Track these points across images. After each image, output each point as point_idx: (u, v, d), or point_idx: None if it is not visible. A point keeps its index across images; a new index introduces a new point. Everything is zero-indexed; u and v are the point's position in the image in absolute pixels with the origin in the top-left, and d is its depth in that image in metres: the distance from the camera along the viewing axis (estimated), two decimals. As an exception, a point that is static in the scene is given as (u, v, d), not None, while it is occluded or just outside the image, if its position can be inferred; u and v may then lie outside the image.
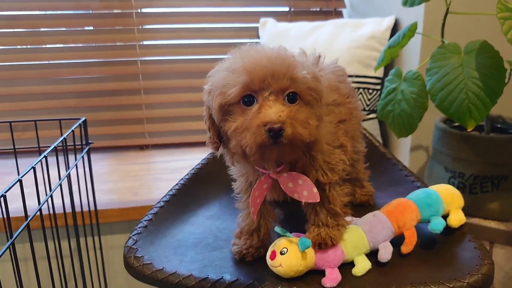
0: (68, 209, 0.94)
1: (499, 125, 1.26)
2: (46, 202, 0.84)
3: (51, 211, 0.87)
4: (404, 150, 1.39)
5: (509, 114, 1.25)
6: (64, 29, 1.57)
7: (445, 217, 0.72)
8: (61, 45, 1.58)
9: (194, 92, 1.68)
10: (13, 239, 0.67)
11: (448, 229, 0.71)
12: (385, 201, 0.87)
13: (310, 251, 0.63)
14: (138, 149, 1.74)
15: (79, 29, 1.58)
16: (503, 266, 1.17)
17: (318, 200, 0.62)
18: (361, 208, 0.85)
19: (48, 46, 1.57)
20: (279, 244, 0.63)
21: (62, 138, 0.81)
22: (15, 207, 0.73)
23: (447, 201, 0.73)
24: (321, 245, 0.64)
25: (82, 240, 1.10)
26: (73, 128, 0.88)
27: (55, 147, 0.82)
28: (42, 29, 1.55)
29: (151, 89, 1.65)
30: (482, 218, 1.17)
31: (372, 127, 1.43)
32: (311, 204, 0.66)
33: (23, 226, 0.69)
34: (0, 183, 1.10)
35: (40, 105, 1.59)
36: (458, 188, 1.17)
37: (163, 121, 1.70)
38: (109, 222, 1.25)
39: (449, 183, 1.19)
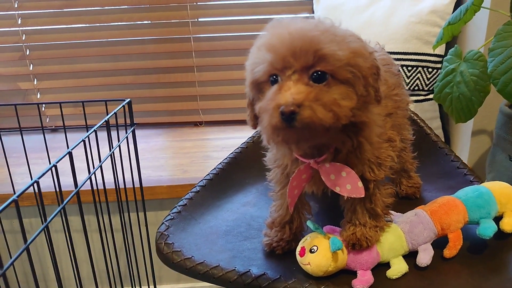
0: (114, 185, 0.98)
1: None
2: (94, 178, 0.87)
3: (98, 187, 0.90)
4: (465, 134, 1.28)
5: None
6: (120, 7, 1.59)
7: (498, 219, 0.66)
8: (117, 23, 1.60)
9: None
10: (62, 205, 0.70)
11: (499, 233, 0.64)
12: (434, 195, 0.81)
13: (342, 252, 0.60)
14: (192, 126, 1.76)
15: (134, 6, 1.59)
16: None
17: (363, 195, 0.58)
18: (406, 201, 0.80)
19: (104, 24, 1.60)
20: (309, 241, 0.61)
21: (103, 120, 0.82)
22: (63, 180, 0.76)
23: (501, 201, 0.66)
24: (355, 246, 0.60)
25: (129, 216, 1.14)
26: (115, 110, 0.90)
27: (104, 126, 0.84)
28: (98, 8, 1.58)
29: (204, 66, 1.64)
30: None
31: (431, 108, 1.34)
32: (350, 200, 0.62)
33: (72, 194, 0.72)
34: (52, 156, 1.15)
35: (98, 82, 1.65)
36: (522, 179, 1.07)
37: (216, 99, 1.69)
38: (158, 198, 1.28)
39: (513, 174, 1.09)
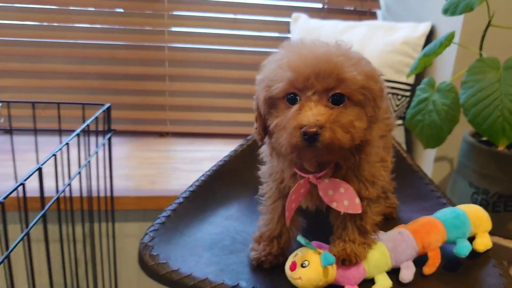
0: (85, 193, 0.95)
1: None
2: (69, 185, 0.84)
3: (68, 194, 0.87)
4: (428, 160, 1.35)
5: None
6: (94, 9, 1.56)
7: (471, 239, 0.70)
8: (89, 25, 1.57)
9: (220, 83, 1.66)
10: (29, 228, 0.67)
11: (473, 252, 0.68)
12: (409, 215, 0.85)
13: (332, 267, 0.61)
14: (158, 136, 1.73)
15: (108, 10, 1.57)
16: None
17: (360, 211, 0.60)
18: (384, 221, 0.83)
19: (75, 25, 1.56)
20: (300, 255, 0.61)
21: (84, 125, 0.80)
22: (32, 186, 0.72)
23: (475, 223, 0.70)
24: (344, 261, 0.62)
25: (96, 226, 1.10)
26: (96, 114, 0.88)
27: (85, 129, 0.82)
28: (71, 8, 1.54)
29: (177, 76, 1.64)
30: (503, 237, 1.13)
31: (397, 134, 1.40)
32: (341, 217, 0.64)
33: (39, 216, 0.69)
34: (20, 159, 1.10)
35: (64, 84, 1.59)
36: (481, 205, 1.14)
37: (186, 110, 1.69)
38: (124, 209, 1.25)
39: (472, 199, 1.15)
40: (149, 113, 1.67)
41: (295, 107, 0.53)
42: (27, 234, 0.62)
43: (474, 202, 1.15)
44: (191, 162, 1.49)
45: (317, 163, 0.58)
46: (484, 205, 1.12)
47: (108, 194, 1.05)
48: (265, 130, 0.59)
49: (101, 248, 1.12)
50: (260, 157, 0.65)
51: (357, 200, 0.59)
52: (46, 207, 0.68)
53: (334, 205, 0.60)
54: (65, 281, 0.90)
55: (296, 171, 0.61)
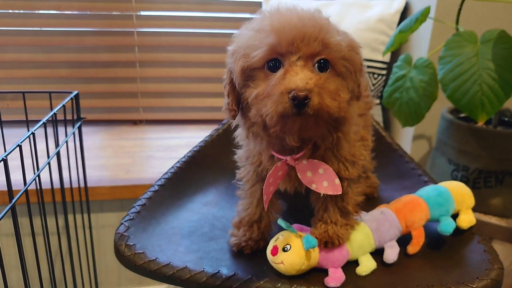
0: (57, 185, 0.90)
1: (506, 119, 1.22)
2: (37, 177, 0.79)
3: (38, 186, 0.82)
4: (406, 138, 1.35)
5: (517, 107, 1.21)
6: (58, -6, 1.49)
7: (454, 216, 0.69)
8: (54, 12, 1.50)
9: (192, 67, 1.61)
10: (11, 204, 0.62)
11: (456, 229, 0.67)
12: (390, 194, 0.84)
13: (314, 250, 0.59)
14: (131, 124, 1.68)
15: (73, -5, 1.50)
16: (502, 262, 1.15)
17: (340, 192, 0.57)
18: (365, 201, 0.81)
19: (40, 12, 1.49)
20: (282, 239, 0.59)
21: (51, 113, 0.76)
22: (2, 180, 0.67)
23: (458, 200, 0.69)
24: (327, 244, 0.60)
25: (71, 217, 1.05)
26: (63, 102, 0.83)
27: (52, 117, 0.77)
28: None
29: (147, 62, 1.58)
30: (483, 213, 1.14)
31: (375, 113, 1.39)
32: (322, 198, 0.61)
33: (7, 208, 0.64)
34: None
35: (30, 74, 1.52)
36: (461, 181, 1.14)
37: (158, 96, 1.64)
38: (100, 200, 1.20)
39: (452, 176, 1.15)
40: (121, 100, 1.62)
41: (279, 72, 0.49)
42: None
43: (454, 179, 1.15)
44: (166, 149, 1.45)
45: (299, 140, 0.54)
46: (465, 181, 1.12)
47: (82, 185, 1.01)
48: (238, 106, 0.55)
49: (78, 240, 1.07)
50: (236, 141, 0.62)
51: (337, 181, 0.56)
52: (14, 201, 0.64)
53: (313, 187, 0.57)
54: (40, 275, 0.85)
55: (273, 153, 0.58)
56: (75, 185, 1.01)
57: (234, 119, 0.57)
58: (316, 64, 0.50)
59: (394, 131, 1.43)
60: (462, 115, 1.20)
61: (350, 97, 0.53)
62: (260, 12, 0.54)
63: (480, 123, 0.91)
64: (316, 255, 0.59)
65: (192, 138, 1.54)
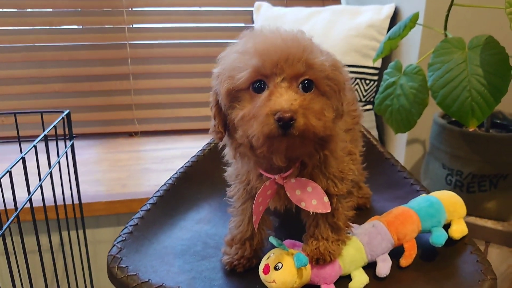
0: (51, 202, 0.90)
1: (498, 121, 1.23)
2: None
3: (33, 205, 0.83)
4: (400, 143, 1.35)
5: (509, 110, 1.21)
6: (50, 10, 1.49)
7: (446, 226, 0.69)
8: (46, 27, 1.50)
9: (185, 78, 1.62)
10: (3, 230, 0.63)
11: (449, 240, 0.67)
12: (383, 205, 0.84)
13: (306, 267, 0.59)
14: (127, 136, 1.69)
15: (65, 10, 1.50)
16: (498, 267, 1.15)
17: (329, 210, 0.57)
18: (357, 211, 0.82)
19: (32, 28, 1.49)
20: (273, 257, 0.59)
21: (42, 136, 0.76)
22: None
23: (449, 210, 0.69)
24: (318, 260, 0.60)
25: (67, 234, 1.05)
26: (54, 123, 0.83)
27: (43, 138, 0.77)
28: (27, 10, 1.47)
29: (141, 74, 1.59)
30: (479, 217, 1.14)
31: (368, 119, 1.39)
32: (312, 215, 0.62)
33: (13, 217, 0.65)
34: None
35: (24, 90, 1.53)
36: (455, 186, 1.14)
37: (153, 108, 1.64)
38: (96, 215, 1.20)
39: (446, 181, 1.16)
40: (115, 113, 1.62)
41: (264, 94, 0.49)
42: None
43: (449, 184, 1.15)
44: (162, 161, 1.45)
45: (286, 160, 0.55)
46: (459, 186, 1.12)
47: (76, 201, 1.01)
48: (225, 128, 0.56)
49: (73, 257, 1.07)
50: (225, 159, 0.62)
51: (325, 199, 0.57)
52: (5, 226, 0.64)
53: (302, 205, 0.57)
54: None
55: (261, 172, 0.58)
56: (69, 202, 1.01)
57: (221, 140, 0.57)
58: (300, 85, 0.50)
59: (388, 136, 1.43)
60: (454, 119, 1.21)
61: (335, 116, 0.53)
62: (244, 35, 0.54)
63: (471, 129, 0.91)
64: (308, 272, 0.59)
65: (187, 148, 1.55)
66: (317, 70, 0.50)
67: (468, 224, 1.10)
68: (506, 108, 1.19)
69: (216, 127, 0.56)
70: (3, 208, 0.71)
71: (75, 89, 1.56)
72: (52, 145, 0.85)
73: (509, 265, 1.17)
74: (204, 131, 1.68)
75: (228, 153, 0.62)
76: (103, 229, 1.25)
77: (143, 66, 1.58)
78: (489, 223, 1.14)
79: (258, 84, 0.50)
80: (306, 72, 0.50)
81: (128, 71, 1.57)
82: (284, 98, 0.48)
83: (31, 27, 1.49)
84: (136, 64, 1.57)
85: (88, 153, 1.51)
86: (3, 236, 0.66)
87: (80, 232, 1.07)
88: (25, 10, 1.47)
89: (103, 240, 1.25)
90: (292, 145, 0.50)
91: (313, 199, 0.57)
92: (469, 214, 1.14)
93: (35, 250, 0.89)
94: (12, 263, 0.71)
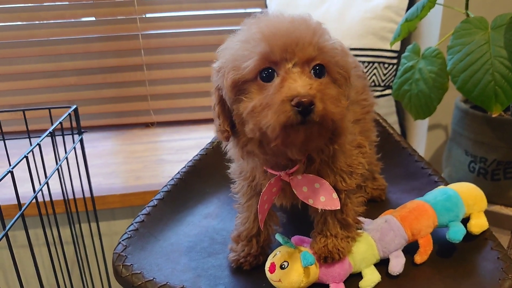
0: (61, 197, 0.91)
1: (525, 104, 1.16)
2: (40, 191, 0.80)
3: (44, 199, 0.83)
4: (421, 129, 1.30)
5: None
6: (61, 3, 1.48)
7: (465, 220, 0.65)
8: (59, 21, 1.49)
9: (199, 67, 1.59)
10: (5, 231, 0.63)
11: (467, 235, 0.63)
12: (399, 197, 0.80)
13: (315, 265, 0.56)
14: (143, 127, 1.68)
15: (77, 3, 1.49)
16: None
17: (338, 207, 0.54)
18: (372, 203, 0.78)
19: (45, 22, 1.49)
20: (279, 256, 0.57)
21: (47, 132, 0.75)
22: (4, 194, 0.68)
23: (468, 203, 0.65)
24: (327, 259, 0.57)
25: (83, 227, 1.06)
26: (60, 120, 0.82)
27: (50, 134, 0.77)
28: (37, 4, 1.46)
29: (154, 64, 1.57)
30: (504, 205, 1.09)
31: (387, 103, 1.34)
32: (320, 211, 0.58)
33: (15, 218, 0.65)
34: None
35: (39, 84, 1.53)
36: (479, 174, 1.09)
37: (168, 98, 1.62)
38: (111, 208, 1.20)
39: (469, 168, 1.10)
40: (131, 104, 1.62)
41: (276, 81, 0.46)
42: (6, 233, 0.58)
43: (472, 172, 1.10)
44: (177, 152, 1.44)
45: (301, 153, 0.51)
46: (483, 173, 1.07)
47: (88, 195, 1.01)
48: (231, 127, 0.52)
49: (85, 250, 1.08)
50: (228, 156, 0.60)
51: (334, 195, 0.54)
52: (9, 226, 0.64)
53: (310, 202, 0.54)
54: (58, 285, 0.87)
55: (266, 169, 0.55)
56: (80, 196, 1.01)
57: (228, 140, 0.53)
58: (312, 70, 0.47)
59: (409, 121, 1.38)
60: (478, 103, 1.15)
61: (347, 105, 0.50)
62: (245, 23, 0.51)
63: (495, 115, 0.85)
64: (316, 271, 0.57)
65: (203, 138, 1.53)
66: (329, 55, 0.47)
67: (493, 213, 1.06)
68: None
69: (221, 126, 0.52)
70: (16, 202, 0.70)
71: (90, 81, 1.56)
72: (60, 140, 0.85)
73: (538, 255, 1.12)
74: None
75: (231, 148, 0.59)
76: (119, 221, 1.25)
77: (156, 56, 1.56)
78: (515, 212, 1.09)
79: (266, 73, 0.47)
80: (318, 57, 0.46)
81: (141, 62, 1.56)
82: (299, 83, 0.44)
83: (44, 21, 1.49)
84: (149, 54, 1.55)
85: (103, 145, 1.51)
86: (25, 226, 0.66)
87: (93, 224, 1.07)
88: (38, 4, 1.46)
89: (119, 232, 1.25)
90: (310, 136, 0.46)
91: (321, 196, 0.54)
92: (494, 202, 1.09)
93: (44, 243, 0.90)
94: (28, 258, 0.71)
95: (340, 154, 0.55)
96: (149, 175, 1.29)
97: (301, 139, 0.46)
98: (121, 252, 0.64)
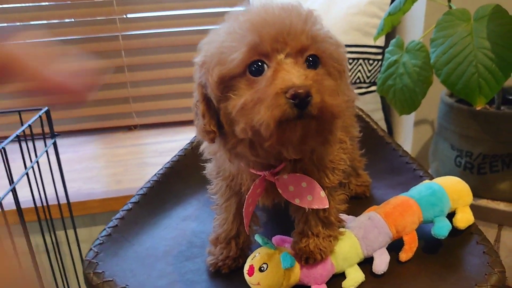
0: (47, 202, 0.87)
1: (510, 97, 1.15)
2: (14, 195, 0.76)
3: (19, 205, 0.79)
4: (407, 124, 1.28)
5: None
6: (38, 4, 1.45)
7: (450, 215, 0.63)
8: (37, 22, 1.46)
9: (183, 67, 1.56)
10: None
11: (453, 229, 0.61)
12: (383, 192, 0.78)
13: (295, 267, 0.54)
14: (126, 130, 1.64)
15: (54, 3, 1.45)
16: (503, 265, 1.09)
17: (327, 206, 0.51)
18: (356, 200, 0.76)
19: (21, 24, 1.45)
20: (258, 258, 0.54)
21: (13, 136, 0.72)
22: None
23: (453, 198, 0.63)
24: (308, 260, 0.54)
25: (59, 235, 1.02)
26: (29, 123, 0.79)
27: (17, 139, 0.74)
28: (12, 5, 1.42)
29: (136, 65, 1.53)
30: (491, 199, 1.07)
31: (373, 100, 1.32)
32: (301, 210, 0.55)
33: None
34: None
35: (17, 87, 1.49)
36: (465, 168, 1.07)
37: (151, 100, 1.59)
38: (92, 213, 1.17)
39: (455, 163, 1.09)
40: (113, 107, 1.58)
41: (268, 73, 0.42)
42: None
43: (458, 166, 1.08)
44: (161, 154, 1.41)
45: (299, 152, 0.46)
46: (469, 168, 1.06)
47: (63, 201, 0.97)
48: (218, 126, 0.48)
49: (60, 258, 1.04)
50: (204, 156, 0.57)
51: (322, 194, 0.51)
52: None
53: (296, 202, 0.51)
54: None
55: (251, 171, 0.52)
56: (55, 202, 0.97)
57: (214, 142, 0.49)
58: (306, 62, 0.43)
59: (395, 117, 1.36)
60: (463, 97, 1.13)
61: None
62: (229, 16, 0.47)
63: (479, 107, 0.84)
64: (296, 273, 0.54)
65: (187, 140, 1.49)
66: (322, 45, 0.43)
67: (480, 208, 1.04)
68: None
69: (206, 126, 0.47)
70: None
71: (70, 84, 1.52)
72: (40, 143, 0.82)
73: (526, 248, 1.10)
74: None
75: (206, 147, 0.57)
76: (100, 227, 1.20)
77: (138, 58, 1.53)
78: (501, 205, 1.07)
79: (256, 66, 0.42)
80: (312, 46, 0.43)
81: (122, 63, 1.52)
82: (293, 74, 0.40)
83: (21, 23, 1.45)
84: (130, 55, 1.52)
85: (84, 149, 1.48)
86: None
87: (70, 231, 1.03)
88: (15, 5, 1.42)
89: (101, 238, 1.22)
90: (308, 132, 0.42)
91: (308, 195, 0.51)
92: (480, 196, 1.07)
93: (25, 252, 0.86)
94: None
95: (324, 151, 0.52)
96: (131, 178, 1.26)
97: (298, 136, 0.42)
98: (92, 259, 0.61)
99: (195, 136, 0.91)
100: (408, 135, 1.27)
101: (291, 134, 0.41)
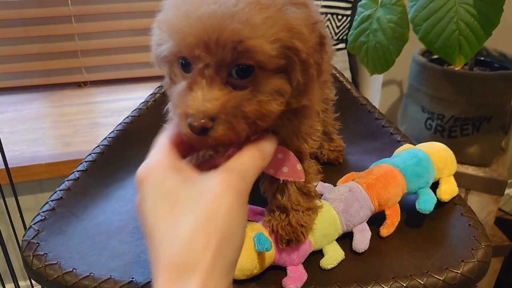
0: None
1: (482, 58, 1.12)
2: None
3: None
4: (375, 85, 1.23)
5: (493, 45, 1.09)
6: None
7: (434, 185, 0.59)
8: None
9: (137, 18, 1.43)
10: None
11: (437, 201, 0.57)
12: (358, 158, 0.73)
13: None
14: (75, 87, 1.51)
15: None
16: (479, 214, 1.09)
17: (303, 179, 0.47)
18: (329, 167, 0.70)
19: None
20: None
21: None
22: None
23: (438, 167, 0.58)
24: (290, 242, 0.48)
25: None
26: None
27: None
28: None
29: (84, 15, 1.38)
30: (460, 163, 1.06)
31: (341, 59, 1.26)
32: (275, 183, 0.49)
33: None
34: None
35: None
36: (436, 131, 1.04)
37: (102, 54, 1.45)
38: (38, 179, 1.06)
39: (426, 126, 1.06)
40: (59, 62, 1.43)
41: (188, 79, 0.37)
42: None
43: (429, 129, 1.05)
44: (113, 114, 1.30)
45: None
46: (440, 131, 1.03)
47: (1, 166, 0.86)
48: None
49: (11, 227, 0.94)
50: (168, 116, 0.49)
51: (299, 166, 0.46)
52: None
53: (271, 172, 0.45)
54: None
55: None
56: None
57: None
58: (234, 71, 0.36)
59: (362, 77, 1.31)
60: (435, 57, 1.09)
61: (302, 87, 0.40)
62: None
63: (458, 67, 0.79)
64: (271, 254, 0.48)
65: (142, 98, 1.38)
66: (258, 54, 0.35)
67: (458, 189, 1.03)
68: (490, 43, 1.07)
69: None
70: None
71: (9, 35, 1.35)
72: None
73: (489, 211, 1.11)
74: (161, 77, 1.52)
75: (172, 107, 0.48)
76: (48, 194, 1.11)
77: (87, 7, 1.37)
78: (470, 170, 1.06)
79: (183, 62, 0.38)
80: (241, 57, 0.35)
81: (69, 12, 1.37)
82: (198, 98, 0.35)
83: None
84: (78, 4, 1.36)
85: (28, 108, 1.34)
86: None
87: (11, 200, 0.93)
88: None
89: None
90: (220, 145, 0.40)
91: (284, 167, 0.45)
92: (450, 161, 1.06)
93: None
94: None
95: (305, 121, 0.46)
96: (81, 140, 1.15)
97: (214, 145, 0.39)
98: (32, 238, 0.52)
99: (151, 94, 0.82)
100: (376, 96, 1.23)
101: (206, 144, 0.38)
